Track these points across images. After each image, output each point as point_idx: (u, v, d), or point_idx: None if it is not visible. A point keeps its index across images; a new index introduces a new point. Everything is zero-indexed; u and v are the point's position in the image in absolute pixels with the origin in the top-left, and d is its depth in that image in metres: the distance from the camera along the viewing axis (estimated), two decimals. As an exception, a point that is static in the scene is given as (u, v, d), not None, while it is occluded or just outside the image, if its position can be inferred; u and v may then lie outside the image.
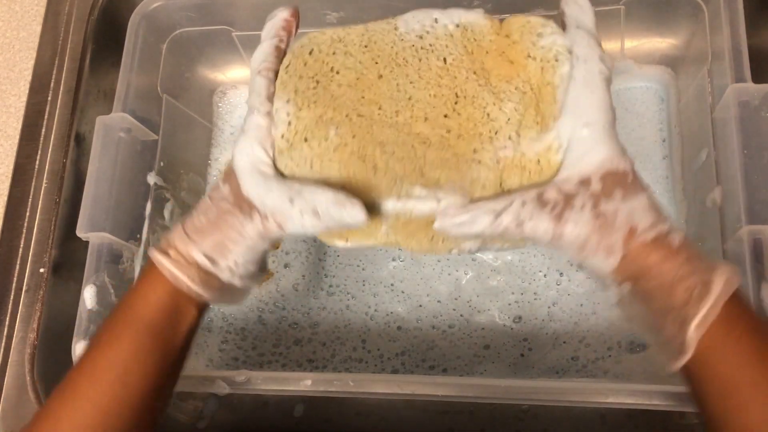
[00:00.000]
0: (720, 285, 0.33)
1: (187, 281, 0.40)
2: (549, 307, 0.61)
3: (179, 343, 0.41)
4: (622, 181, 0.36)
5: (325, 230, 0.39)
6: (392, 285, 0.64)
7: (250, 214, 0.39)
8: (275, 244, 0.43)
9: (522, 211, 0.36)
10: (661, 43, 0.64)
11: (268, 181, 0.39)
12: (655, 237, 0.35)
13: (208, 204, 0.41)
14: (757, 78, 0.49)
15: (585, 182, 0.36)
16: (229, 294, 0.43)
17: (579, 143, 0.36)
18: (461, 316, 0.62)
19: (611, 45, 0.65)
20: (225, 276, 0.41)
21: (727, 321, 0.33)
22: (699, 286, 0.34)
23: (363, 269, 0.65)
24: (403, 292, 0.63)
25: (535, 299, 0.61)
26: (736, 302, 0.34)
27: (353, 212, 0.36)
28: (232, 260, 0.40)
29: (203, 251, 0.40)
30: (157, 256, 0.40)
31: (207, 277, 0.40)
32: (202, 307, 0.42)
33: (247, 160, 0.40)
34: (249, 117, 0.41)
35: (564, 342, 0.60)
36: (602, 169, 0.36)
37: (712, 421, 0.34)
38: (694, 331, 0.33)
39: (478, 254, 0.63)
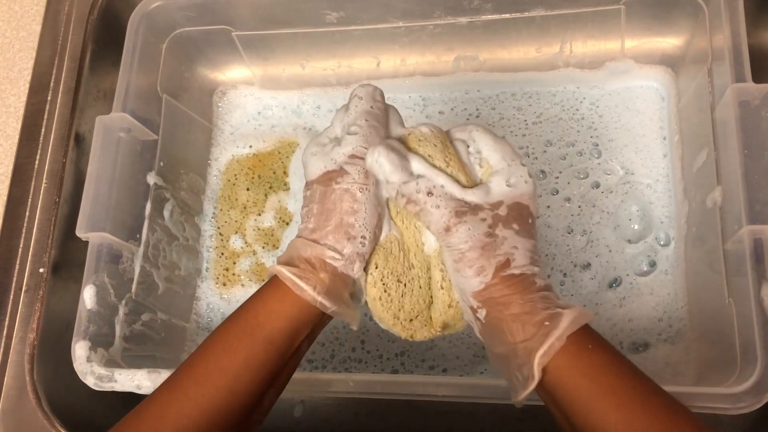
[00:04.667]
0: (567, 320, 0.37)
1: (312, 292, 0.40)
2: (549, 308, 0.61)
3: (293, 356, 0.42)
4: (523, 218, 0.41)
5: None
6: (392, 285, 0.64)
7: (341, 170, 0.42)
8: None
9: (439, 188, 0.41)
10: (661, 42, 0.64)
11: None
12: (521, 273, 0.39)
13: (305, 211, 0.43)
14: (757, 78, 0.49)
15: (496, 205, 0.40)
16: (347, 304, 0.43)
17: (507, 172, 0.41)
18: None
19: (612, 45, 0.65)
20: (354, 269, 0.42)
21: (576, 350, 0.36)
22: (549, 320, 0.37)
23: (363, 269, 0.64)
24: (402, 292, 0.63)
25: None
26: (586, 336, 0.37)
27: None
28: (358, 240, 0.41)
29: (328, 245, 0.41)
30: (283, 270, 0.40)
31: (331, 285, 0.41)
32: (321, 321, 0.43)
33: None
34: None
35: (564, 342, 0.59)
36: (515, 199, 0.41)
37: None
38: (539, 360, 0.36)
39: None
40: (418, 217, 0.42)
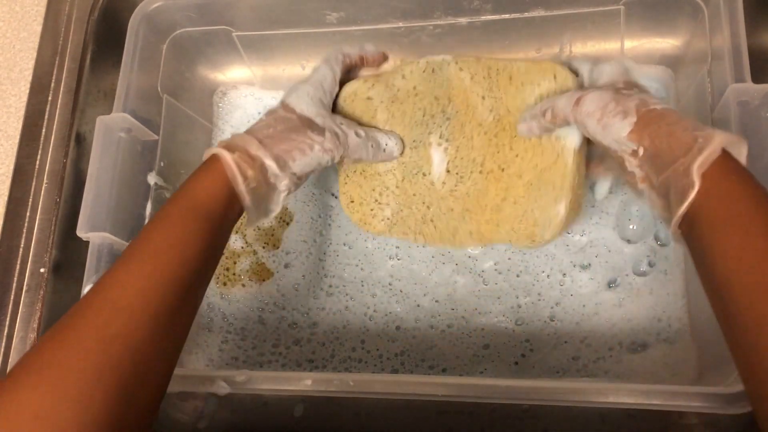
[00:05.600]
0: (720, 137, 0.40)
1: (241, 184, 0.46)
2: (552, 308, 0.61)
3: (225, 233, 0.47)
4: (637, 86, 0.48)
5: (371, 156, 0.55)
6: (390, 284, 0.64)
7: (321, 131, 0.50)
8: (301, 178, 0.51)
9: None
10: (660, 43, 0.64)
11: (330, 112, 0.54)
12: (663, 108, 0.43)
13: (271, 121, 0.50)
14: (757, 78, 0.49)
15: (612, 83, 0.48)
16: (264, 208, 0.50)
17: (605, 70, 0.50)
18: (462, 317, 0.62)
19: (611, 45, 0.65)
20: (281, 185, 0.49)
21: (724, 167, 0.39)
22: (701, 138, 0.40)
23: (362, 269, 0.65)
24: (401, 291, 0.63)
25: (539, 300, 0.61)
26: (731, 157, 0.40)
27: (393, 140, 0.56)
28: (292, 169, 0.49)
29: (274, 155, 0.48)
30: (225, 155, 0.46)
31: (258, 184, 0.47)
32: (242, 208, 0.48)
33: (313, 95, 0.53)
34: (319, 69, 0.55)
35: (565, 342, 0.60)
36: (624, 77, 0.48)
37: (713, 264, 0.38)
38: (698, 167, 0.39)
39: (482, 256, 0.63)
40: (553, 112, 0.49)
